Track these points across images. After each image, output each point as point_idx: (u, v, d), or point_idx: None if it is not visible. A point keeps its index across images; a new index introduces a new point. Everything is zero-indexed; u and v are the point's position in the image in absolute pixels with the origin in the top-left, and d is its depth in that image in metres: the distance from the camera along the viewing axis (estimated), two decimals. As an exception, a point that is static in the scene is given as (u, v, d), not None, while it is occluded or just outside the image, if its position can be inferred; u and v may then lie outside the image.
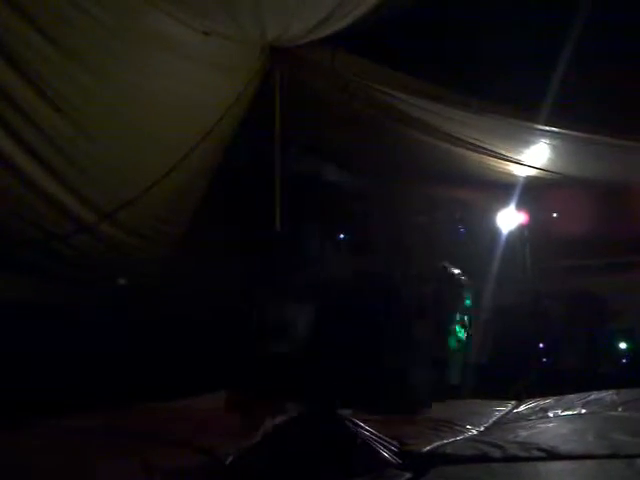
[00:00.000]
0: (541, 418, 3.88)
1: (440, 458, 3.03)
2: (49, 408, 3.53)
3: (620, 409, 3.92)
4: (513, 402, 4.55)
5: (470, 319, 5.95)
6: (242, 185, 6.37)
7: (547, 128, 5.41)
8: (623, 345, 6.77)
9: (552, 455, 3.03)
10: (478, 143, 6.08)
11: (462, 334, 5.76)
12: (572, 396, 4.31)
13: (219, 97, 5.18)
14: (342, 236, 7.27)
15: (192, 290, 5.59)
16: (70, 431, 3.30)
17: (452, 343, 5.68)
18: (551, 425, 3.65)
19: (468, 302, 6.07)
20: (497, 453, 3.07)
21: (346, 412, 3.44)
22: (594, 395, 4.26)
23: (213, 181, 5.88)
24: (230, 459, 2.81)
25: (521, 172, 6.84)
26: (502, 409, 4.35)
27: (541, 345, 6.53)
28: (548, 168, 6.65)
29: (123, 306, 5.07)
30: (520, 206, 7.37)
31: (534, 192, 7.26)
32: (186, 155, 5.06)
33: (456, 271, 6.12)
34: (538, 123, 5.33)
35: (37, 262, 4.57)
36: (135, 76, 4.25)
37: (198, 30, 4.28)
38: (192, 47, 4.44)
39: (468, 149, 6.21)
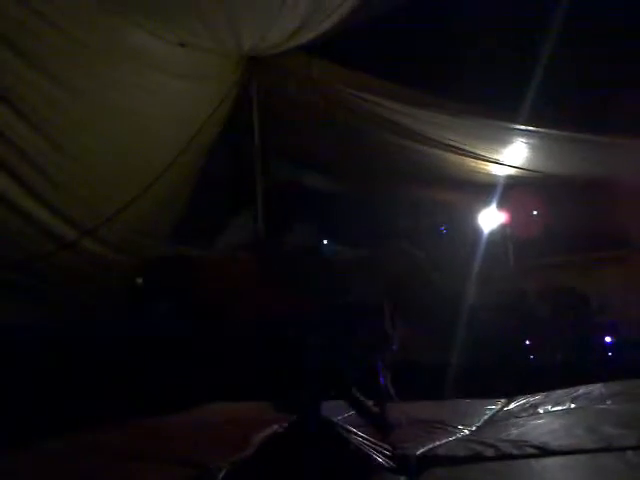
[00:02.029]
0: (531, 415, 3.88)
1: (433, 460, 3.03)
2: (34, 429, 3.47)
3: (608, 402, 3.94)
4: (503, 400, 4.56)
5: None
6: (224, 194, 6.36)
7: (524, 127, 5.48)
8: (608, 339, 6.87)
9: (545, 451, 3.05)
10: (457, 145, 6.14)
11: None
12: (561, 391, 4.33)
13: (197, 108, 5.18)
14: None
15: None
16: (56, 453, 3.24)
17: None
18: (542, 421, 3.66)
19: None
20: (490, 452, 3.07)
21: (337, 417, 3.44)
22: (582, 389, 4.28)
23: (194, 192, 5.85)
24: (223, 473, 2.78)
25: (501, 172, 6.91)
26: (492, 407, 4.36)
27: (527, 342, 6.58)
28: (527, 167, 6.73)
29: (110, 322, 5.02)
30: (501, 205, 7.44)
31: (515, 191, 7.33)
32: (166, 168, 5.03)
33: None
34: (515, 123, 5.39)
35: (19, 283, 4.50)
36: (111, 90, 4.24)
37: (173, 42, 4.27)
38: (168, 59, 4.44)
39: (448, 151, 6.26)
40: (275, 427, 3.21)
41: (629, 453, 2.86)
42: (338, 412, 3.70)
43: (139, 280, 5.19)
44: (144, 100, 4.48)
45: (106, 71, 4.12)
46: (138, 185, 4.81)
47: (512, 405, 4.29)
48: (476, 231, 7.34)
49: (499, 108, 5.32)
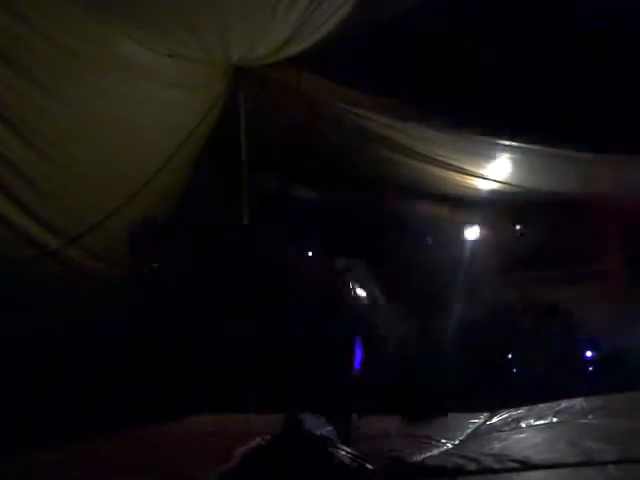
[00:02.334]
0: (514, 429, 3.91)
1: (417, 473, 3.03)
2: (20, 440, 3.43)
3: (590, 416, 3.98)
4: (486, 414, 4.58)
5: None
6: (211, 205, 6.33)
7: (508, 143, 5.56)
8: (589, 354, 6.93)
9: (526, 465, 3.07)
10: (443, 159, 6.20)
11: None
12: (543, 405, 4.36)
13: (184, 118, 5.17)
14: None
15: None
16: (42, 464, 3.19)
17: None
18: (524, 435, 3.69)
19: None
20: (472, 466, 3.09)
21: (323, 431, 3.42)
22: (564, 404, 4.32)
23: (180, 202, 5.83)
24: (206, 485, 2.76)
25: (485, 186, 6.98)
26: (475, 421, 4.38)
27: (510, 356, 6.63)
28: (511, 181, 6.81)
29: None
30: (485, 220, 7.50)
31: (498, 205, 7.40)
32: (151, 177, 5.02)
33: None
34: (499, 138, 5.47)
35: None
36: (98, 100, 4.22)
37: (162, 53, 4.27)
38: (155, 70, 4.44)
39: (434, 165, 6.32)
40: (259, 439, 3.20)
41: (610, 467, 2.89)
42: (320, 425, 3.70)
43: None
44: (132, 109, 4.47)
45: (94, 80, 4.11)
46: (124, 194, 4.78)
47: (495, 419, 4.31)
48: (461, 245, 7.39)
49: (484, 122, 5.39)
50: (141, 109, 4.59)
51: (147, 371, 4.81)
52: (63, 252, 4.59)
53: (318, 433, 3.24)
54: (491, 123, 5.31)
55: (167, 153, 5.13)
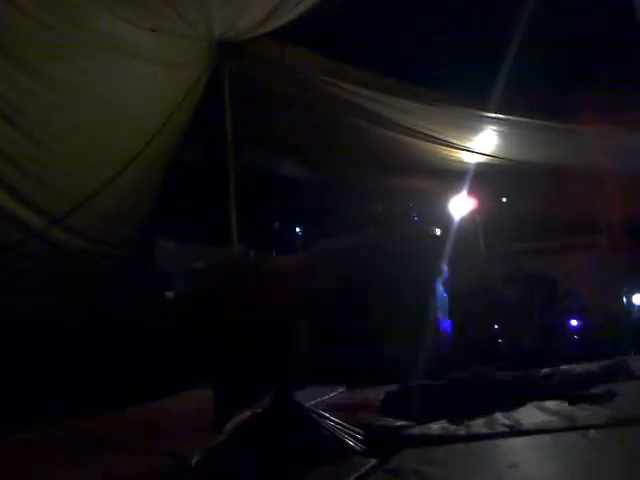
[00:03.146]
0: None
1: (406, 442, 3.09)
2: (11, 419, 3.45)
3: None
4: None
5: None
6: (196, 182, 6.30)
7: (495, 115, 5.55)
8: (574, 323, 7.05)
9: (514, 431, 3.15)
10: (429, 133, 6.18)
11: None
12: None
13: (168, 94, 5.11)
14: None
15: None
16: (27, 444, 3.22)
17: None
18: (511, 402, 3.76)
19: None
20: (462, 431, 3.17)
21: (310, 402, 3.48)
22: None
23: (166, 179, 5.79)
24: (196, 460, 2.80)
25: (471, 159, 6.98)
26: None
27: (496, 326, 6.70)
28: (497, 154, 6.82)
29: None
30: (472, 192, 7.52)
31: (485, 178, 7.42)
32: (136, 155, 4.97)
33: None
34: (486, 111, 5.45)
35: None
36: (80, 77, 4.15)
37: (144, 27, 4.21)
38: (138, 45, 4.37)
39: (421, 139, 6.30)
40: (248, 413, 3.24)
41: (592, 432, 2.97)
42: (310, 398, 3.75)
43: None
44: (115, 86, 4.41)
45: (76, 56, 4.04)
46: (109, 172, 4.74)
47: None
48: (447, 218, 7.41)
49: (471, 95, 5.38)
50: (124, 86, 4.52)
51: (142, 348, 4.84)
52: (50, 232, 4.55)
53: (307, 405, 3.28)
54: (477, 94, 5.31)
55: (152, 130, 5.08)
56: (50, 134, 4.10)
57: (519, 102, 5.42)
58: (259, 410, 3.21)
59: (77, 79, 4.12)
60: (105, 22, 3.99)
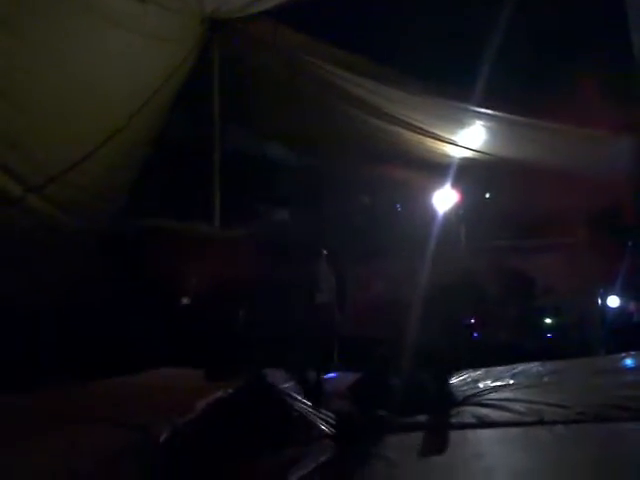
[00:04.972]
0: (472, 389, 4.02)
1: (376, 428, 3.11)
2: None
3: (545, 379, 4.12)
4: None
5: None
6: (181, 161, 6.22)
7: (481, 110, 5.55)
8: (549, 321, 7.14)
9: (483, 423, 3.19)
10: (417, 124, 6.17)
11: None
12: (501, 368, 4.49)
13: (155, 68, 5.02)
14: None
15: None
16: (6, 410, 3.18)
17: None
18: (481, 396, 3.80)
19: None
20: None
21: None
22: (521, 367, 4.46)
23: (150, 156, 5.71)
24: (165, 436, 2.78)
25: (456, 153, 6.99)
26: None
27: (472, 320, 6.76)
28: (482, 150, 6.83)
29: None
30: (455, 186, 7.54)
31: (469, 173, 7.44)
32: (120, 128, 4.88)
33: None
34: (473, 104, 5.46)
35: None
36: (68, 45, 4.04)
37: (134, -3, 4.12)
38: (128, 16, 4.27)
39: (407, 129, 6.29)
40: (220, 393, 3.22)
41: (559, 427, 3.01)
42: (280, 381, 3.74)
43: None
44: (100, 55, 4.31)
45: (62, 22, 3.92)
46: (89, 144, 4.65)
47: (454, 380, 4.42)
48: (430, 210, 7.43)
49: (458, 88, 5.38)
50: (110, 56, 4.42)
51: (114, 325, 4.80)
52: (27, 201, 4.45)
53: (279, 387, 3.28)
54: (466, 88, 5.31)
55: (137, 104, 4.98)
56: (29, 99, 3.97)
57: (502, 98, 5.43)
58: (231, 391, 3.21)
59: (60, 45, 4.00)
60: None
